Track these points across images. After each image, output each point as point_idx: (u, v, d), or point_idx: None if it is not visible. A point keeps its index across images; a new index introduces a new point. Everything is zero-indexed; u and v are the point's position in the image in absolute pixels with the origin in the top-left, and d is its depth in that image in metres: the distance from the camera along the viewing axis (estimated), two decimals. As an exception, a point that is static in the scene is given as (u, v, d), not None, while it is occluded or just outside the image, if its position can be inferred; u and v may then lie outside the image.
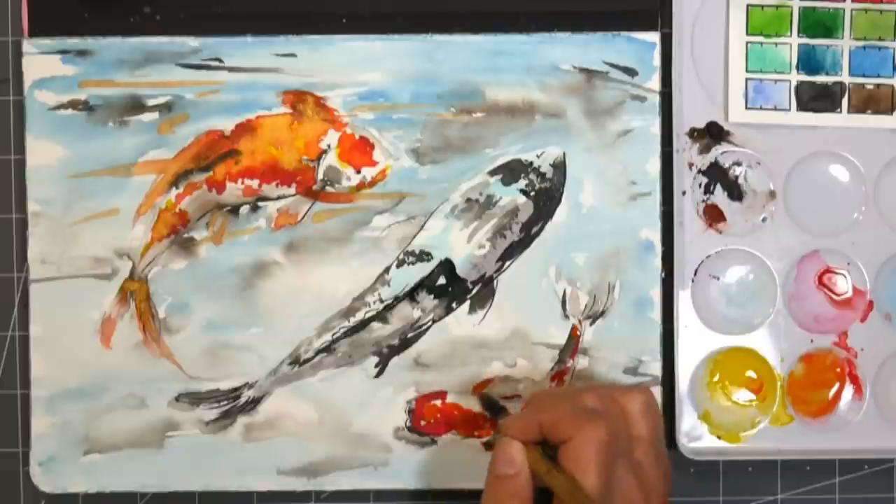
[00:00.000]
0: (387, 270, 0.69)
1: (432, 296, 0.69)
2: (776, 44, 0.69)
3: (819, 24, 0.69)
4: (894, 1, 0.69)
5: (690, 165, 0.69)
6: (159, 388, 0.69)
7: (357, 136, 0.69)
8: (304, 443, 0.69)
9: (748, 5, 0.69)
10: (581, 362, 0.69)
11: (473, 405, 0.69)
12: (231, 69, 0.68)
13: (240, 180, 0.69)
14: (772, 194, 0.69)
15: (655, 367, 0.68)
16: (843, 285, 0.70)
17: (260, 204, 0.69)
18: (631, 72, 0.68)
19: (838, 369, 0.70)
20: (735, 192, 0.69)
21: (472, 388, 0.69)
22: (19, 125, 0.69)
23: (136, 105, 0.69)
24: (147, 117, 0.69)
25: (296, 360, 0.69)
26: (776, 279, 0.69)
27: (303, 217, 0.69)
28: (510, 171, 0.69)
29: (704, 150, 0.70)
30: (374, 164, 0.69)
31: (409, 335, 0.69)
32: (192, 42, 0.68)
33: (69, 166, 0.68)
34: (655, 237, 0.68)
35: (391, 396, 0.69)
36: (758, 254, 0.69)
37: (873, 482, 0.70)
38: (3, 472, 0.70)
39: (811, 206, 0.69)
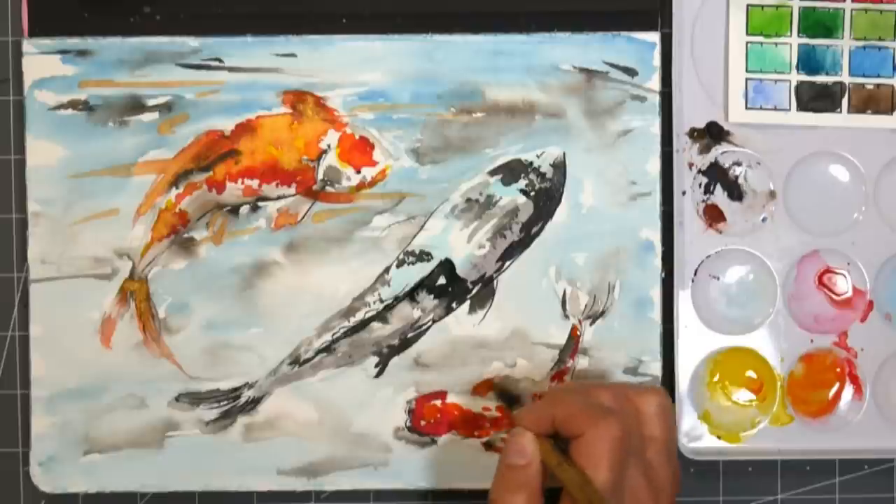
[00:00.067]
0: (387, 270, 0.69)
1: (432, 296, 0.69)
2: (776, 44, 0.69)
3: (819, 24, 0.69)
4: (894, 1, 0.69)
5: (690, 165, 0.69)
6: (159, 388, 0.69)
7: (357, 136, 0.69)
8: (304, 443, 0.69)
9: (748, 5, 0.69)
10: (581, 362, 0.69)
11: (473, 405, 0.69)
12: (231, 69, 0.68)
13: (240, 180, 0.69)
14: (772, 194, 0.69)
15: (655, 367, 0.68)
16: (843, 285, 0.70)
17: (260, 204, 0.69)
18: (631, 72, 0.68)
19: (838, 369, 0.70)
20: (735, 192, 0.69)
21: (472, 388, 0.69)
22: (19, 125, 0.69)
23: (136, 105, 0.69)
24: (147, 117, 0.69)
25: (296, 360, 0.69)
26: (776, 279, 0.69)
27: (303, 217, 0.69)
28: (510, 171, 0.69)
29: (704, 150, 0.70)
30: (374, 164, 0.69)
31: (409, 335, 0.69)
32: (192, 42, 0.68)
33: (69, 166, 0.68)
34: (655, 237, 0.68)
35: (391, 396, 0.69)
36: (758, 254, 0.69)
37: (873, 482, 0.70)
38: (3, 472, 0.70)
39: (811, 206, 0.69)
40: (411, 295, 0.69)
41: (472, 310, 0.69)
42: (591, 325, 0.69)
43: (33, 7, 0.69)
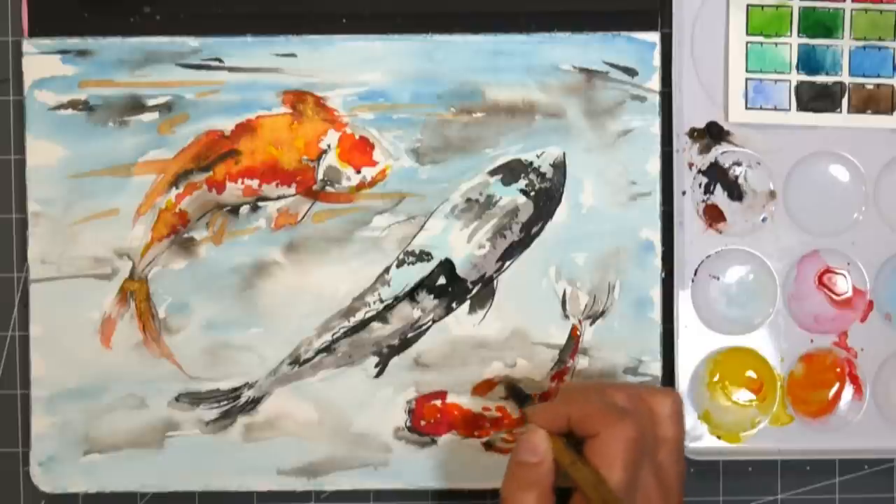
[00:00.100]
0: (387, 270, 0.69)
1: (432, 296, 0.69)
2: (776, 44, 0.69)
3: (819, 24, 0.69)
4: (894, 1, 0.69)
5: (690, 165, 0.69)
6: (159, 388, 0.69)
7: (357, 136, 0.69)
8: (304, 443, 0.69)
9: (748, 5, 0.69)
10: (581, 362, 0.69)
11: (473, 405, 0.69)
12: (231, 69, 0.68)
13: (240, 180, 0.69)
14: (772, 194, 0.69)
15: (655, 367, 0.68)
16: (843, 285, 0.70)
17: (260, 204, 0.69)
18: (631, 72, 0.68)
19: (838, 369, 0.70)
20: (735, 192, 0.69)
21: (472, 389, 0.69)
22: (19, 125, 0.69)
23: (136, 105, 0.69)
24: (147, 117, 0.69)
25: (296, 360, 0.69)
26: (776, 279, 0.69)
27: (303, 217, 0.69)
28: (510, 171, 0.69)
29: (704, 150, 0.70)
30: (374, 164, 0.69)
31: (409, 335, 0.69)
32: (192, 42, 0.68)
33: (69, 166, 0.68)
34: (655, 237, 0.68)
35: (391, 396, 0.69)
36: (758, 254, 0.69)
37: (873, 482, 0.70)
38: (3, 472, 0.70)
39: (811, 206, 0.69)
40: (411, 295, 0.69)
41: (472, 310, 0.69)
42: (591, 325, 0.69)
43: (33, 7, 0.69)
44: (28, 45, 0.68)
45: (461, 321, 0.69)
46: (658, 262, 0.68)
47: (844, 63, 0.69)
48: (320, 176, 0.69)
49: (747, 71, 0.69)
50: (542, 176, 0.69)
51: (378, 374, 0.69)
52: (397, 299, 0.69)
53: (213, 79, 0.68)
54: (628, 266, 0.68)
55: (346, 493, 0.69)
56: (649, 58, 0.68)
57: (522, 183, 0.69)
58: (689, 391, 0.69)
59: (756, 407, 0.69)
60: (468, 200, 0.69)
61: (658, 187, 0.68)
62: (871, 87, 0.69)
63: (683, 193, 0.69)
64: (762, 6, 0.69)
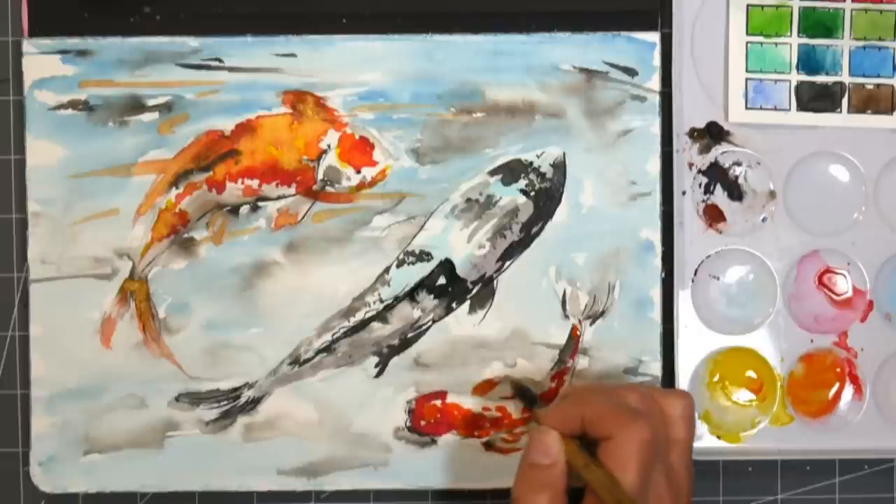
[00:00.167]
0: (387, 270, 0.69)
1: (432, 296, 0.69)
2: (776, 44, 0.69)
3: (819, 24, 0.69)
4: (894, 1, 0.69)
5: (690, 165, 0.69)
6: (159, 388, 0.69)
7: (357, 136, 0.69)
8: (304, 443, 0.69)
9: (748, 5, 0.69)
10: (581, 362, 0.69)
11: (473, 405, 0.69)
12: (231, 69, 0.68)
13: (240, 180, 0.69)
14: (772, 194, 0.69)
15: (655, 367, 0.68)
16: (843, 285, 0.70)
17: (260, 204, 0.69)
18: (631, 72, 0.68)
19: (838, 369, 0.70)
20: (735, 192, 0.69)
21: (472, 389, 0.69)
22: (19, 125, 0.69)
23: (136, 105, 0.69)
24: (147, 117, 0.69)
25: (296, 360, 0.69)
26: (776, 279, 0.69)
27: (303, 217, 0.69)
28: (510, 171, 0.69)
29: (704, 150, 0.70)
30: (374, 164, 0.69)
31: (409, 335, 0.69)
32: (192, 42, 0.68)
33: (69, 166, 0.68)
34: (655, 237, 0.68)
35: (391, 396, 0.69)
36: (758, 254, 0.69)
37: (873, 482, 0.70)
38: (3, 472, 0.70)
39: (811, 206, 0.69)
40: (411, 295, 0.69)
41: (472, 310, 0.69)
42: (591, 325, 0.69)
43: (33, 7, 0.69)
44: (28, 45, 0.68)
45: (461, 321, 0.69)
46: (658, 262, 0.68)
47: (844, 63, 0.69)
48: (320, 176, 0.69)
49: (747, 71, 0.69)
50: (542, 176, 0.69)
51: (378, 374, 0.69)
52: (397, 299, 0.69)
53: (213, 79, 0.68)
54: (628, 266, 0.68)
55: (346, 493, 0.69)
56: (649, 58, 0.68)
57: (522, 183, 0.69)
58: (689, 391, 0.69)
59: (756, 407, 0.69)
60: (468, 200, 0.69)
61: (658, 187, 0.68)
62: (871, 87, 0.69)
63: (683, 193, 0.69)
64: (762, 6, 0.69)
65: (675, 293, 0.69)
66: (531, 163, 0.69)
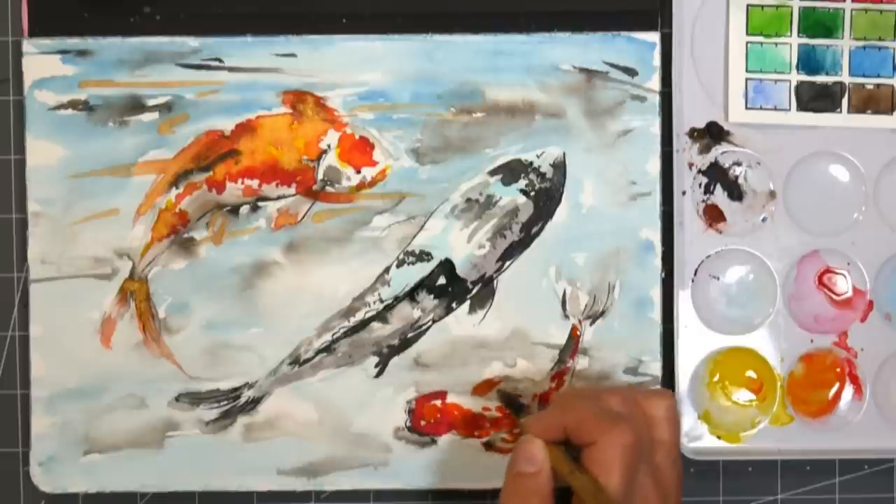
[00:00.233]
0: (387, 270, 0.69)
1: (432, 296, 0.69)
2: (776, 44, 0.69)
3: (819, 24, 0.69)
4: (894, 1, 0.69)
5: (690, 165, 0.69)
6: (159, 388, 0.69)
7: (357, 136, 0.69)
8: (304, 443, 0.69)
9: (748, 5, 0.69)
10: (581, 362, 0.69)
11: (473, 405, 0.69)
12: (231, 69, 0.68)
13: (240, 180, 0.69)
14: (772, 194, 0.69)
15: (655, 367, 0.68)
16: (843, 285, 0.70)
17: (260, 204, 0.69)
18: (631, 72, 0.68)
19: (838, 369, 0.70)
20: (735, 192, 0.69)
21: (472, 389, 0.69)
22: (19, 125, 0.69)
23: (136, 105, 0.69)
24: (147, 117, 0.69)
25: (296, 360, 0.69)
26: (776, 279, 0.69)
27: (303, 217, 0.69)
28: (510, 171, 0.69)
29: (704, 150, 0.70)
30: (374, 164, 0.69)
31: (409, 335, 0.69)
32: (192, 42, 0.68)
33: (69, 166, 0.68)
34: (655, 237, 0.68)
35: (391, 396, 0.69)
36: (758, 254, 0.69)
37: (873, 482, 0.70)
38: (3, 472, 0.70)
39: (811, 206, 0.69)
40: (411, 295, 0.69)
41: (472, 310, 0.69)
42: (591, 325, 0.69)
43: (33, 7, 0.69)
44: (28, 45, 0.68)
45: (461, 321, 0.69)
46: (658, 262, 0.68)
47: (844, 63, 0.69)
48: (320, 176, 0.69)
49: (747, 71, 0.69)
50: (542, 176, 0.69)
51: (378, 374, 0.69)
52: (397, 299, 0.69)
53: (213, 79, 0.68)
54: (628, 266, 0.68)
55: (346, 493, 0.69)
56: (649, 58, 0.68)
57: (522, 183, 0.69)
58: (689, 391, 0.69)
59: (756, 407, 0.69)
60: (468, 200, 0.69)
61: (658, 187, 0.68)
62: (871, 87, 0.69)
63: (683, 193, 0.69)
64: (762, 6, 0.69)
65: (675, 293, 0.69)
66: (531, 163, 0.69)
